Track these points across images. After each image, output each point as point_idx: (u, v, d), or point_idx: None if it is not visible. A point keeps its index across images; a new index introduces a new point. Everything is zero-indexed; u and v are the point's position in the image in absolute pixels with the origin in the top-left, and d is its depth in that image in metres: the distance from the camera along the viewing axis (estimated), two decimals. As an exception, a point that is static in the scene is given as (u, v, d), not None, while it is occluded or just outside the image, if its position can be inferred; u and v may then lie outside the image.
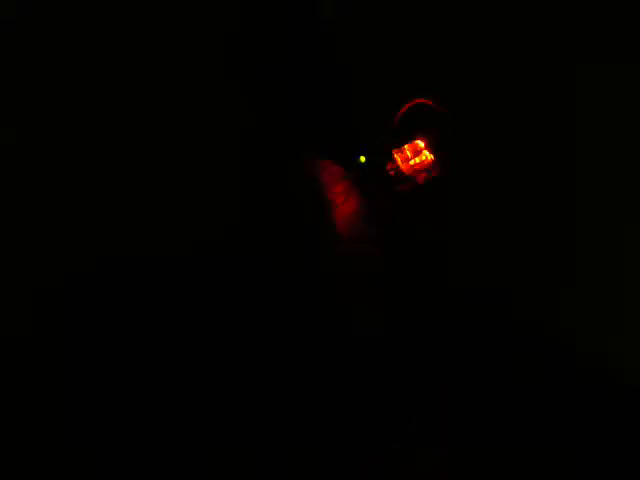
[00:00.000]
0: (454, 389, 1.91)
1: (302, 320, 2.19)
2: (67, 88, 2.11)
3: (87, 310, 2.09)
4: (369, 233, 2.37)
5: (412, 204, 2.31)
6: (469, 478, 1.57)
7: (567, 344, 1.99)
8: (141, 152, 2.24)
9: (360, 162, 2.34)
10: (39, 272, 2.06)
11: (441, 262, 2.33)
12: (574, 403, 1.82)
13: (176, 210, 2.30)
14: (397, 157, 2.20)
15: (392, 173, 2.22)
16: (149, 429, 1.74)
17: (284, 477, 1.57)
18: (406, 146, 2.22)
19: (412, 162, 2.19)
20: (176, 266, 2.24)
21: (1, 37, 1.96)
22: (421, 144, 2.21)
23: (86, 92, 2.14)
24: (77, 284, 2.11)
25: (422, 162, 2.19)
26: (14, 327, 1.99)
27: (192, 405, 1.83)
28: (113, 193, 2.20)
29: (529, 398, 1.86)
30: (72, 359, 1.97)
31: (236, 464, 1.61)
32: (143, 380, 1.92)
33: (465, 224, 2.27)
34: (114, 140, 2.19)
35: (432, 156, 2.20)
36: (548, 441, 1.69)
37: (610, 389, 1.84)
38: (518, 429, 1.74)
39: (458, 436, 1.71)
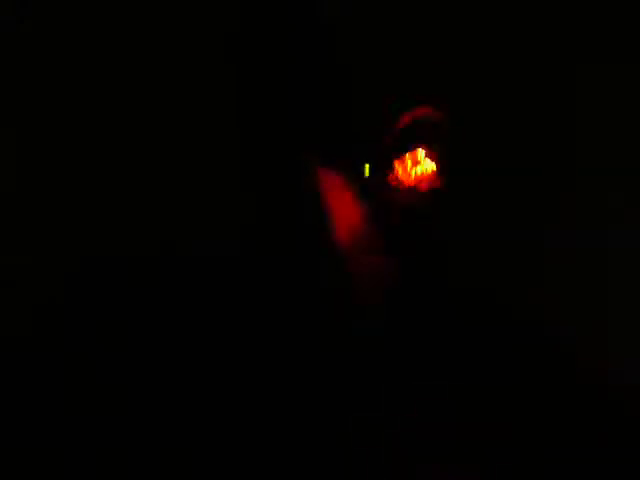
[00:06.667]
0: (454, 389, 1.91)
1: (303, 320, 2.19)
2: (67, 87, 2.11)
3: (87, 310, 2.09)
4: (370, 235, 2.38)
5: (413, 209, 2.31)
6: (469, 477, 1.57)
7: (567, 344, 1.99)
8: (142, 153, 2.24)
9: (364, 172, 2.35)
10: (39, 272, 2.06)
11: (441, 262, 2.33)
12: (574, 403, 1.82)
13: (176, 210, 2.30)
14: (398, 167, 2.19)
15: (394, 183, 2.21)
16: (149, 428, 1.74)
17: (284, 477, 1.57)
18: (407, 155, 2.21)
19: (413, 172, 2.19)
20: (176, 266, 2.24)
21: (1, 37, 1.96)
22: (422, 153, 2.21)
23: (85, 97, 2.14)
24: (77, 284, 2.11)
25: (423, 173, 2.18)
26: (14, 327, 1.99)
27: (192, 404, 1.84)
28: (113, 194, 2.20)
29: (529, 397, 1.86)
30: (72, 359, 1.97)
31: (236, 464, 1.61)
32: (143, 380, 1.93)
33: (465, 225, 2.27)
34: (116, 141, 2.19)
35: (433, 165, 2.19)
36: (548, 440, 1.69)
37: (610, 389, 1.84)
38: (518, 429, 1.74)
39: (458, 436, 1.72)
